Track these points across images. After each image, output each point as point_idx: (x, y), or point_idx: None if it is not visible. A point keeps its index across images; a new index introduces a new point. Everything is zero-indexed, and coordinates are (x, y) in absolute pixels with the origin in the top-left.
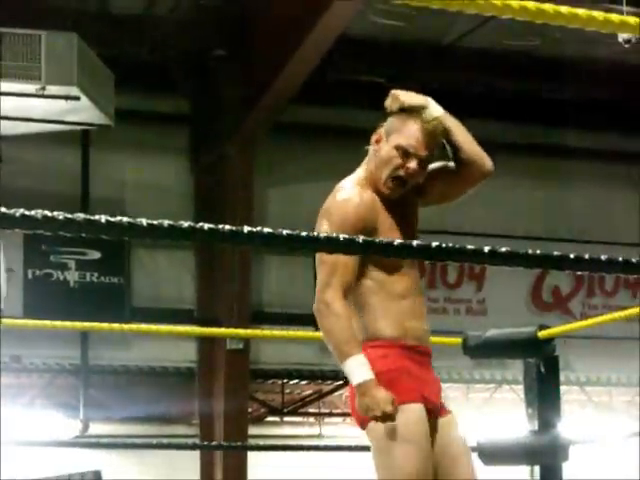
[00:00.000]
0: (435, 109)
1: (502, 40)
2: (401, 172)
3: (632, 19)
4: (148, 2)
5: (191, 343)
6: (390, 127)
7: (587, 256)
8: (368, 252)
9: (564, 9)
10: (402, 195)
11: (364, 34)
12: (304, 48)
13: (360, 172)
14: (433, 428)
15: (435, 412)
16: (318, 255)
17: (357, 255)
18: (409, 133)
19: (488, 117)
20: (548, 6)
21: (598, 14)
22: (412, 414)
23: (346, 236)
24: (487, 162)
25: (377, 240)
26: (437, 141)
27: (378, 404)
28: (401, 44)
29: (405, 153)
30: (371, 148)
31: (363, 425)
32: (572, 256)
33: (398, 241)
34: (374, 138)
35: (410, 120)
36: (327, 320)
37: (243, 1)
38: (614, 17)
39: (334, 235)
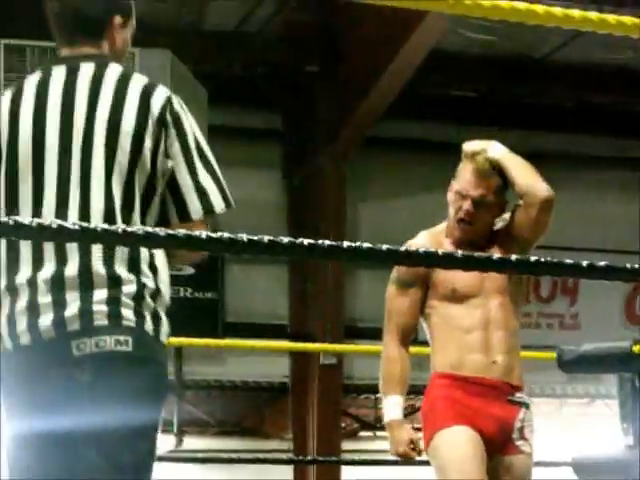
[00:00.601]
0: (495, 151)
1: (595, 53)
2: (461, 214)
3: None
4: (240, 18)
5: (284, 358)
6: (455, 175)
7: None
8: (466, 268)
9: None
10: (484, 238)
11: (456, 48)
12: (396, 63)
13: (443, 224)
14: (494, 463)
15: (495, 446)
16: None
17: (412, 298)
18: (462, 176)
19: (581, 131)
20: (628, 19)
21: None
22: (452, 436)
23: (443, 252)
24: (541, 190)
25: (475, 255)
26: (489, 180)
27: (395, 443)
28: (493, 58)
29: (460, 196)
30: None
31: (426, 448)
32: None
33: (497, 256)
34: (450, 188)
35: (465, 164)
36: (381, 362)
37: (335, 16)
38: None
39: (432, 250)
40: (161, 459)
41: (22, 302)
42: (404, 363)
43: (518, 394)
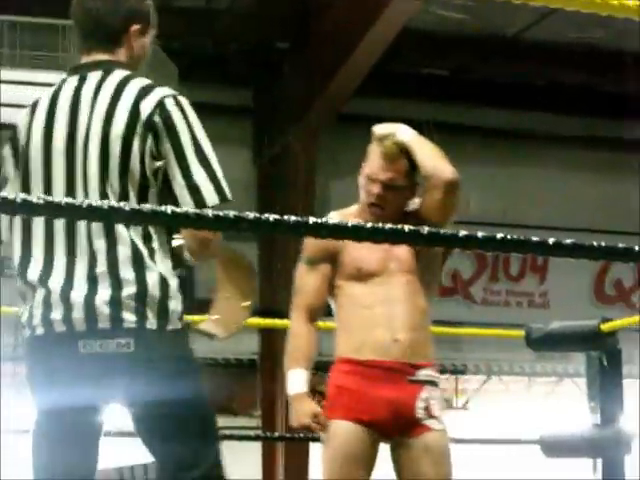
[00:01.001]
0: (403, 134)
1: (566, 32)
2: (371, 198)
3: None
4: None
5: (253, 335)
6: (365, 158)
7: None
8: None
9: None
10: (395, 221)
11: (427, 26)
12: (367, 40)
13: (355, 206)
14: (405, 447)
15: (396, 430)
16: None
17: (321, 276)
18: (371, 160)
19: (552, 110)
20: None
21: None
22: (334, 430)
23: (411, 228)
24: (445, 172)
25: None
26: (397, 163)
27: (298, 415)
28: (465, 36)
29: (370, 179)
30: None
31: None
32: (637, 248)
33: (463, 233)
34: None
35: (374, 148)
36: (287, 338)
37: None
38: None
39: (395, 227)
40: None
41: (39, 297)
42: (311, 338)
43: (424, 372)
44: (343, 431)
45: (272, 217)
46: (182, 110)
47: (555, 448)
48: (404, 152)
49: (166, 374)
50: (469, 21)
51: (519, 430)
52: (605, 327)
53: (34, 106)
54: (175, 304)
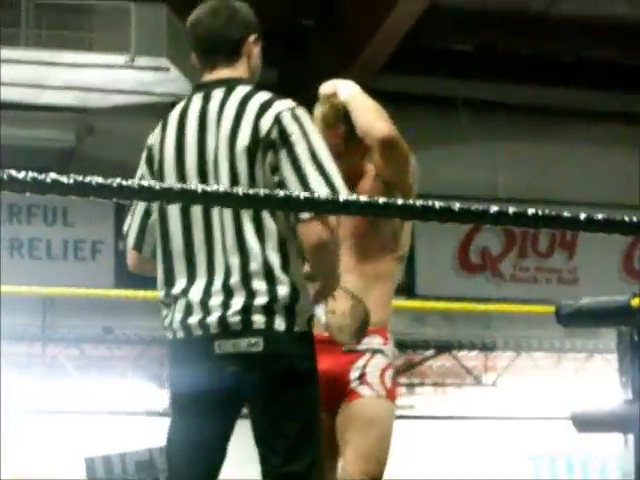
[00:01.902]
0: (343, 93)
1: (593, 6)
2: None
3: None
4: None
5: None
6: None
7: None
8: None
9: None
10: (353, 184)
11: (454, 2)
12: (394, 16)
13: None
14: (337, 413)
15: (332, 400)
16: None
17: None
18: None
19: (580, 85)
20: None
21: None
22: None
23: (424, 203)
24: (375, 130)
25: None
26: (335, 127)
27: None
28: (491, 12)
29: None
30: None
31: None
32: None
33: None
34: None
35: (317, 108)
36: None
37: None
38: None
39: (407, 202)
40: (160, 414)
41: (180, 306)
42: None
43: (366, 339)
44: None
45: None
46: (298, 122)
47: (587, 423)
48: (343, 114)
49: (291, 372)
50: None
51: (549, 407)
52: (635, 302)
53: (164, 125)
54: (302, 309)
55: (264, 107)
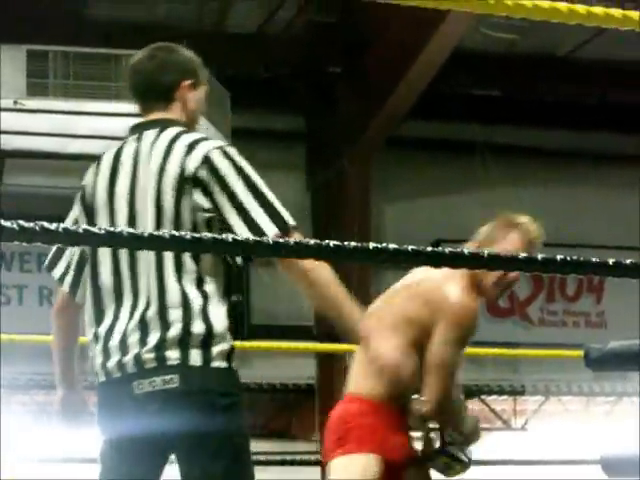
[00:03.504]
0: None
1: (618, 50)
2: (509, 287)
3: None
4: (262, 20)
5: (310, 360)
6: (511, 238)
7: None
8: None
9: None
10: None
11: (478, 48)
12: (418, 63)
13: (459, 279)
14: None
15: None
16: (442, 357)
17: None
18: (520, 248)
19: (605, 129)
20: None
21: None
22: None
23: (471, 251)
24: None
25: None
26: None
27: None
28: (515, 57)
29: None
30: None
31: (327, 460)
32: None
33: (523, 255)
34: (500, 231)
35: (523, 232)
36: (447, 413)
37: (357, 16)
38: None
39: (456, 250)
40: None
41: (100, 347)
42: None
43: None
44: None
45: (332, 243)
46: (230, 159)
47: (617, 467)
48: None
49: (210, 408)
50: (520, 41)
51: (579, 450)
52: None
53: (98, 164)
54: (220, 344)
55: (192, 146)
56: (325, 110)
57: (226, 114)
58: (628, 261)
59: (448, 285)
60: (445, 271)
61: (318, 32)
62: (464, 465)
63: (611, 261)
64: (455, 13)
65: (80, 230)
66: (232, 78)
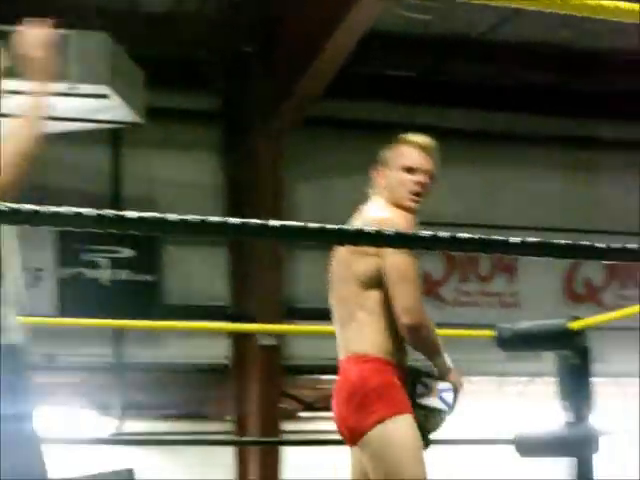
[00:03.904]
0: None
1: (533, 32)
2: (418, 187)
3: None
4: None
5: (224, 340)
6: (388, 158)
7: (616, 245)
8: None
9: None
10: None
11: (393, 28)
12: (333, 43)
13: (380, 203)
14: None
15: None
16: (401, 270)
17: None
18: (407, 154)
19: (520, 110)
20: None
21: (624, 4)
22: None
23: (375, 230)
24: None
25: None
26: (433, 157)
27: (462, 381)
28: (430, 38)
29: (412, 170)
30: (377, 185)
31: (357, 433)
32: (601, 246)
33: (427, 233)
34: (377, 175)
35: (405, 145)
36: (430, 330)
37: None
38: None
39: (356, 228)
40: (103, 442)
41: None
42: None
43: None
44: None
45: (236, 221)
46: None
47: (529, 448)
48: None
49: None
50: (434, 22)
51: (492, 430)
52: (574, 325)
53: None
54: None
55: None
56: (240, 89)
57: (140, 93)
58: (532, 239)
59: (372, 217)
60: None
61: (233, 12)
62: (443, 413)
63: (518, 240)
64: None
65: None
66: (147, 57)
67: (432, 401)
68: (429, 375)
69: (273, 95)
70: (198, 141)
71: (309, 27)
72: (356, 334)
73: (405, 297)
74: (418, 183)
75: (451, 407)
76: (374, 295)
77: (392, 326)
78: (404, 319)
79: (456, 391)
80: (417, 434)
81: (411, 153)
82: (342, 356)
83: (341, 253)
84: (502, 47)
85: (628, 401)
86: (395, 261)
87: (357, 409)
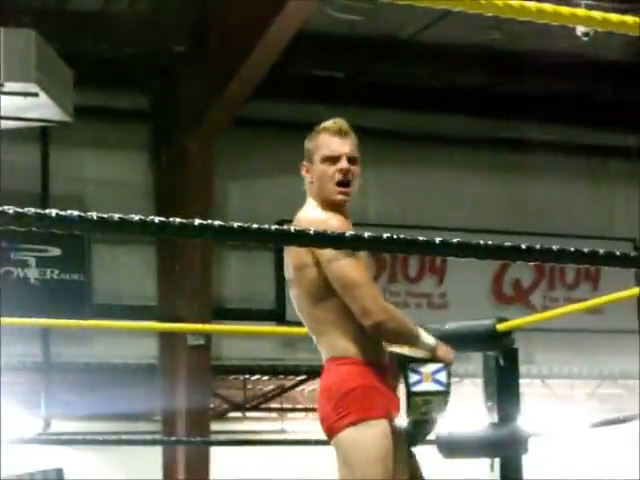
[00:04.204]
0: None
1: (462, 34)
2: (340, 175)
3: (583, 12)
4: None
5: (152, 339)
6: (309, 152)
7: (538, 246)
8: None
9: (515, 2)
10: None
11: (323, 29)
12: (263, 44)
13: (312, 203)
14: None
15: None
16: (344, 278)
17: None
18: (324, 144)
19: (448, 111)
20: (515, 2)
21: (548, 6)
22: (381, 429)
23: (297, 230)
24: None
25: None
26: (351, 135)
27: (449, 354)
28: (360, 38)
29: (332, 159)
30: (306, 181)
31: (332, 433)
32: (523, 246)
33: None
34: (303, 171)
35: (321, 136)
36: (396, 321)
37: None
38: (564, 9)
39: (283, 228)
40: (28, 442)
41: None
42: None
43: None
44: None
45: (157, 219)
46: None
47: (452, 448)
48: (350, 129)
49: None
50: (363, 23)
51: None
52: (501, 327)
53: None
54: None
55: None
56: (169, 89)
57: (69, 92)
58: (456, 240)
59: (304, 219)
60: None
61: (162, 12)
62: (441, 394)
63: (437, 240)
64: None
65: None
66: (75, 56)
67: (427, 385)
68: (416, 360)
69: (203, 95)
70: (128, 140)
71: (240, 27)
72: (327, 343)
73: (358, 301)
74: (341, 171)
75: (447, 386)
76: (329, 304)
77: (360, 326)
78: (366, 322)
79: (448, 367)
80: (388, 441)
81: (329, 142)
82: (323, 358)
83: (289, 271)
84: (431, 49)
85: (556, 402)
86: (335, 269)
87: (333, 410)
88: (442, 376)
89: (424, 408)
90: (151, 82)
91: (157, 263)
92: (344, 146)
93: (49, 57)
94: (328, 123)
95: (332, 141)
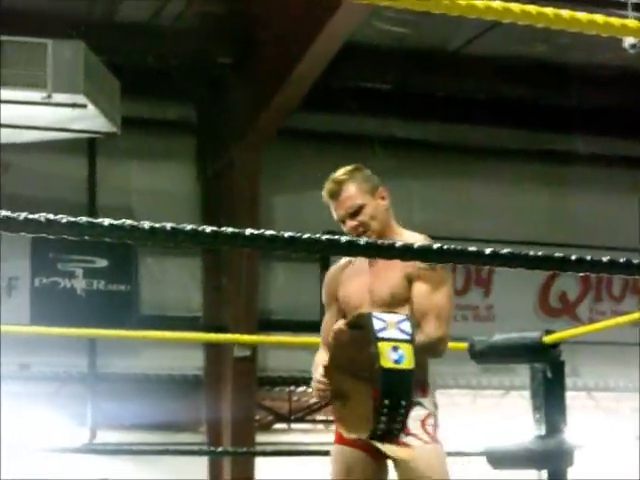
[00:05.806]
0: None
1: (508, 46)
2: (353, 233)
3: (634, 23)
4: (154, 10)
5: (198, 351)
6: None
7: (589, 257)
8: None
9: (565, 13)
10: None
11: (369, 41)
12: (309, 55)
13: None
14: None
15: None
16: (446, 305)
17: (332, 315)
18: (333, 213)
19: (494, 124)
20: (549, 10)
21: (599, 17)
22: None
23: (348, 240)
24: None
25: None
26: (343, 192)
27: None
28: (406, 51)
29: (342, 223)
30: None
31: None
32: (574, 257)
33: (400, 243)
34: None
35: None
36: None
37: (248, 8)
38: (615, 21)
39: (334, 238)
40: (74, 451)
41: None
42: None
43: None
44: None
45: (209, 229)
46: None
47: (501, 460)
48: (343, 180)
49: None
50: (410, 35)
51: (465, 443)
52: (548, 339)
53: None
54: None
55: None
56: (216, 101)
57: (116, 103)
58: (505, 250)
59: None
60: None
61: (209, 23)
62: (408, 343)
63: (489, 250)
64: (347, 5)
65: None
66: (123, 67)
67: (392, 333)
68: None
69: (249, 107)
70: (174, 152)
71: (286, 39)
72: None
73: (444, 330)
74: (352, 229)
75: (411, 336)
76: None
77: None
78: (437, 347)
79: (411, 319)
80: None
81: (332, 208)
82: None
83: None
84: (477, 61)
85: (601, 415)
86: (442, 293)
87: None
88: (406, 326)
89: (395, 355)
90: (198, 93)
91: (203, 274)
92: (339, 209)
93: (97, 68)
94: (326, 186)
95: (331, 205)
